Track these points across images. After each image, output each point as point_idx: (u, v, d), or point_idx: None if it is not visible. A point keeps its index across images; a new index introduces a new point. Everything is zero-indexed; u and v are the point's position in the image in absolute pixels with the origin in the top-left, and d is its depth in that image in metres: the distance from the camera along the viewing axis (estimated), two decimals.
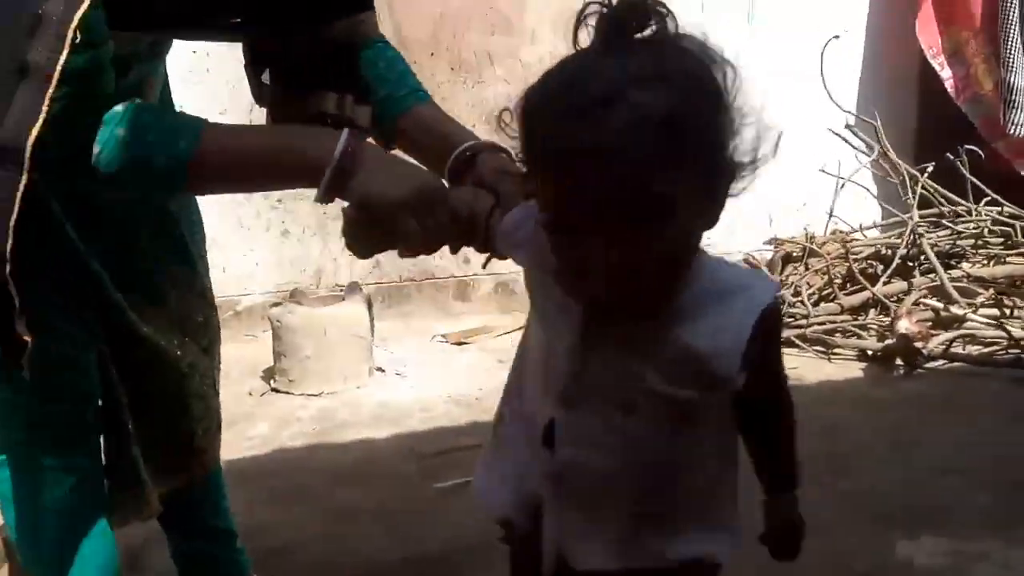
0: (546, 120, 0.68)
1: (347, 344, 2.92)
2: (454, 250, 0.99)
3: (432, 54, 3.63)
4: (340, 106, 1.09)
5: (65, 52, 0.85)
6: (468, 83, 3.71)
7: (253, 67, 1.13)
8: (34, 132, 0.85)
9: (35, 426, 1.13)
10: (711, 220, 0.72)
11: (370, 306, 3.02)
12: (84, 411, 1.17)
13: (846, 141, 3.81)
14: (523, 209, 0.88)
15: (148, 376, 1.24)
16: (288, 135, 1.01)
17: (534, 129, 0.70)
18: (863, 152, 3.80)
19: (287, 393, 2.86)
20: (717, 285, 0.77)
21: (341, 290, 3.25)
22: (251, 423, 2.63)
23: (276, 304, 3.05)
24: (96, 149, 0.90)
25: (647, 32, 0.68)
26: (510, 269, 4.27)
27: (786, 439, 0.89)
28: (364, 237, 0.96)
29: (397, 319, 3.48)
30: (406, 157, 1.05)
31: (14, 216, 0.88)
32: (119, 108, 0.91)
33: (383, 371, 3.02)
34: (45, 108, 0.85)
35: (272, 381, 2.93)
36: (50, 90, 0.85)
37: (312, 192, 0.95)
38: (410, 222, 0.92)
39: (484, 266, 1.08)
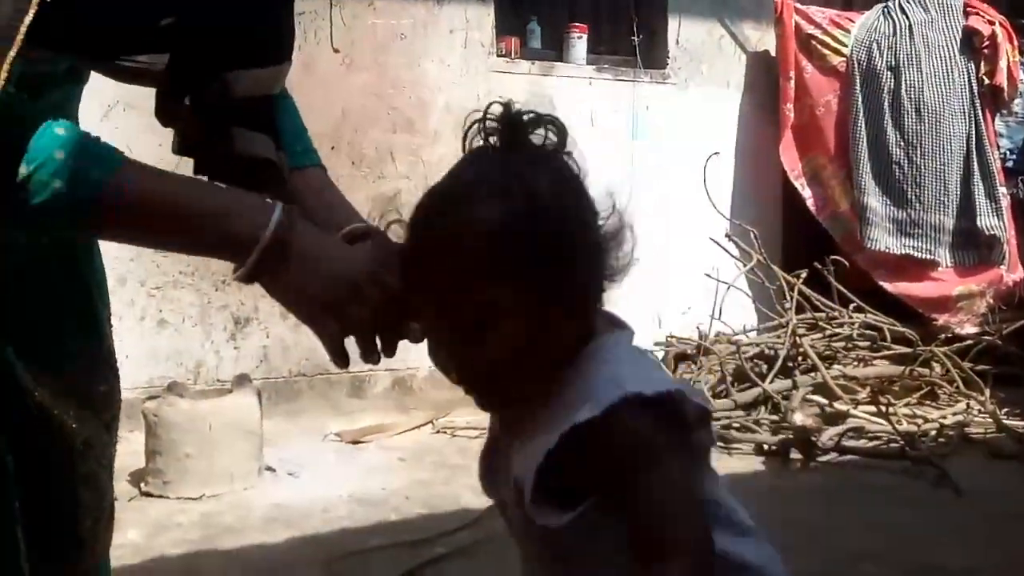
0: (412, 219, 0.74)
1: (235, 441, 2.65)
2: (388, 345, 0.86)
3: (333, 147, 3.58)
4: (278, 156, 0.97)
5: None
6: (368, 178, 3.67)
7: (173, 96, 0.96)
8: None
9: None
10: (564, 326, 0.70)
11: (259, 401, 2.79)
12: None
13: (725, 250, 4.05)
14: None
15: (34, 450, 1.03)
16: (220, 196, 0.87)
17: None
18: (739, 261, 4.06)
19: (161, 497, 2.54)
20: (576, 392, 0.69)
21: (224, 384, 2.99)
22: (119, 530, 2.27)
23: (152, 397, 2.75)
24: (25, 169, 0.74)
25: (538, 140, 0.72)
26: (408, 365, 4.08)
27: None
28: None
29: (285, 417, 3.23)
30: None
31: None
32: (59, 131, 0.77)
33: (274, 470, 2.75)
34: None
35: (143, 484, 2.59)
36: None
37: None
38: (329, 322, 0.83)
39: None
